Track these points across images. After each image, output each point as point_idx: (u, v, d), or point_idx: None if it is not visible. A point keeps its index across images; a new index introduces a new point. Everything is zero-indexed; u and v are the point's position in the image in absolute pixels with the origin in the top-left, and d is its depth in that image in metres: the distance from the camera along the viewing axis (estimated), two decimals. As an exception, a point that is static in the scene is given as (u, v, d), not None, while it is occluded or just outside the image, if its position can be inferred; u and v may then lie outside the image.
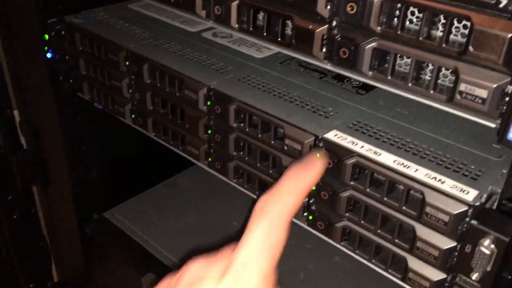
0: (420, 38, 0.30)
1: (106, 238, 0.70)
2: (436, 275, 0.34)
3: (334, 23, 0.34)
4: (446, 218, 0.32)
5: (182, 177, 0.79)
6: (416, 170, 0.34)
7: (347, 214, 0.38)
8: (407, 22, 0.34)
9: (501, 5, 0.27)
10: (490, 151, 0.37)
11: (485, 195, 0.32)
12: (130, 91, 0.53)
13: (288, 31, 0.39)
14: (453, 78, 0.30)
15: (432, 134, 0.39)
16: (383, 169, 0.35)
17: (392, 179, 0.34)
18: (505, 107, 0.28)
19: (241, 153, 0.45)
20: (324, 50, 0.35)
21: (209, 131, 0.47)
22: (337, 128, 0.39)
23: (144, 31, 0.56)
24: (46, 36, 0.58)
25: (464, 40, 0.29)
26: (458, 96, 0.29)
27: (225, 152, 0.46)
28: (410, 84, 0.32)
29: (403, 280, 0.37)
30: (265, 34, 0.39)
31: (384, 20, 0.32)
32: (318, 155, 0.33)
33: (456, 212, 0.32)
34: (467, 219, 0.31)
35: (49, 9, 0.58)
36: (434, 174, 0.34)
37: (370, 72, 0.34)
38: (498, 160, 0.36)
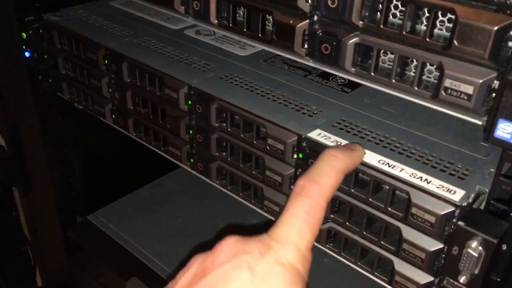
0: (404, 33, 0.29)
1: (90, 242, 0.69)
2: (423, 278, 0.33)
3: (315, 18, 0.33)
4: (432, 219, 0.31)
5: (168, 179, 0.77)
6: (402, 170, 0.33)
7: (331, 216, 0.37)
8: (391, 16, 0.33)
9: (486, -3, 0.25)
10: (478, 149, 0.36)
11: (472, 195, 0.31)
12: (110, 90, 0.52)
13: (269, 27, 0.37)
14: (438, 74, 0.29)
15: (419, 132, 0.38)
16: (368, 169, 0.33)
17: (377, 179, 0.33)
18: (491, 104, 0.27)
19: (224, 153, 0.44)
20: (305, 46, 0.34)
21: (191, 131, 0.45)
22: (321, 127, 0.37)
23: (125, 29, 0.54)
24: (24, 35, 0.57)
25: (449, 34, 0.28)
26: (443, 93, 0.28)
27: (207, 153, 0.45)
28: (393, 81, 0.31)
29: (389, 283, 0.35)
30: (245, 30, 0.38)
31: (367, 14, 0.31)
32: None
33: (442, 213, 0.31)
34: (454, 220, 0.30)
35: (27, 7, 0.56)
36: (420, 174, 0.32)
37: (353, 69, 0.32)
38: (486, 158, 0.35)
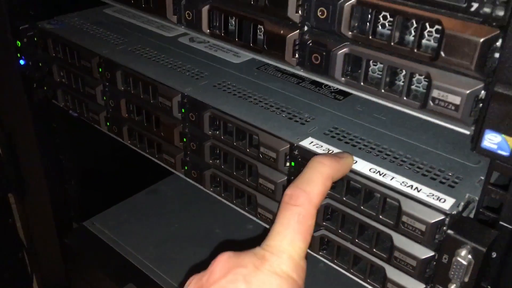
0: (392, 44, 0.29)
1: (86, 248, 0.69)
2: (415, 285, 0.34)
3: (305, 28, 0.33)
4: (422, 227, 0.31)
5: (164, 184, 0.77)
6: (392, 178, 0.33)
7: (324, 224, 0.37)
8: (380, 27, 0.34)
9: (472, 9, 0.26)
10: (468, 157, 0.36)
11: (462, 203, 0.31)
12: (105, 98, 0.52)
13: (260, 36, 0.38)
14: (427, 84, 0.29)
15: (410, 140, 0.38)
16: (359, 177, 0.34)
17: (368, 188, 0.33)
18: (479, 114, 0.27)
19: (217, 161, 0.44)
20: (296, 55, 0.34)
21: (185, 139, 0.46)
22: (313, 135, 0.38)
23: (119, 36, 0.54)
24: (19, 43, 0.57)
25: (437, 45, 0.28)
26: (431, 103, 0.28)
27: (201, 161, 0.45)
28: (383, 91, 0.31)
29: (381, 291, 0.36)
30: (237, 39, 0.38)
31: (356, 25, 0.31)
32: None
33: (432, 221, 0.31)
34: (444, 228, 0.30)
35: (21, 15, 0.57)
36: (410, 182, 0.33)
37: (343, 78, 0.33)
38: (476, 166, 0.35)
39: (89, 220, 0.71)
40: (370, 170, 0.34)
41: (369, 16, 0.30)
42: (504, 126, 0.25)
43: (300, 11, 0.33)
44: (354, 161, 0.35)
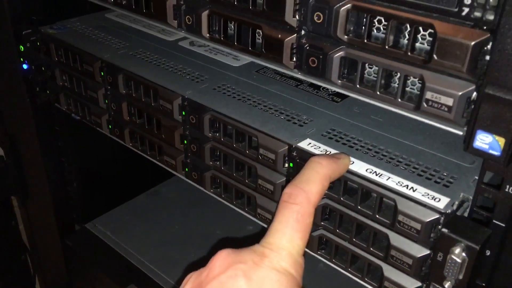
0: (387, 47, 0.30)
1: (88, 250, 0.69)
2: (411, 283, 0.34)
3: (302, 32, 0.34)
4: (418, 226, 0.32)
5: (165, 186, 0.78)
6: (389, 178, 0.34)
7: (322, 223, 0.38)
8: (375, 31, 0.34)
9: (463, 13, 0.26)
10: (463, 157, 0.37)
11: (456, 202, 0.32)
12: (106, 101, 0.53)
13: (259, 40, 0.38)
14: (421, 86, 0.30)
15: (406, 141, 0.39)
16: (356, 177, 0.34)
17: (365, 188, 0.34)
18: (471, 115, 0.28)
19: (217, 162, 0.45)
20: (294, 59, 0.35)
21: (185, 141, 0.46)
22: (311, 137, 0.38)
23: (120, 40, 0.55)
24: (21, 47, 0.58)
25: (430, 48, 0.29)
26: (424, 104, 0.29)
27: (201, 162, 0.46)
28: (378, 93, 0.32)
29: (379, 289, 0.36)
30: (236, 43, 0.39)
31: (351, 29, 0.32)
32: None
33: (427, 220, 0.31)
34: (439, 226, 0.31)
35: (24, 20, 0.58)
36: (406, 182, 0.33)
37: (339, 81, 0.33)
38: (471, 166, 0.36)
39: (91, 222, 0.71)
40: (366, 170, 0.35)
41: (364, 20, 0.31)
42: (495, 126, 0.26)
43: (297, 16, 0.34)
44: (351, 162, 0.35)
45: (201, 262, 0.29)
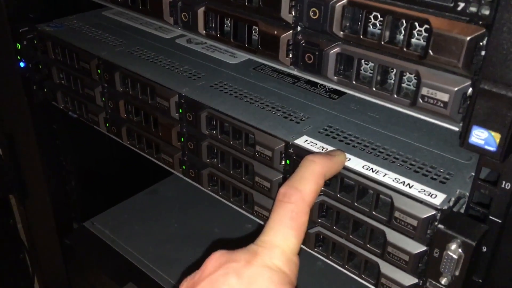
0: (382, 43, 0.30)
1: (86, 248, 0.69)
2: (408, 279, 0.34)
3: (298, 29, 0.34)
4: (414, 222, 0.32)
5: (164, 185, 0.78)
6: (385, 174, 0.34)
7: (319, 220, 0.38)
8: (371, 27, 0.34)
9: (459, 8, 0.26)
10: (459, 153, 0.36)
11: (453, 199, 0.32)
12: (103, 99, 0.53)
13: (255, 37, 0.38)
14: (416, 82, 0.30)
15: (403, 137, 0.39)
16: (353, 174, 0.34)
17: (362, 185, 0.34)
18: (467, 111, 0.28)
19: (214, 160, 0.45)
20: (290, 55, 0.35)
21: (182, 139, 0.46)
22: (308, 134, 0.38)
23: (117, 38, 0.55)
24: (18, 45, 0.58)
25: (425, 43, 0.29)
26: (420, 100, 0.29)
27: (199, 160, 0.46)
28: (374, 89, 0.32)
29: (376, 285, 0.36)
30: (232, 40, 0.39)
31: (347, 25, 0.32)
32: None
33: (424, 216, 0.31)
34: (436, 223, 0.31)
35: (21, 18, 0.57)
36: (402, 179, 0.33)
37: (335, 77, 0.33)
38: (468, 162, 0.36)
39: (89, 220, 0.72)
40: (363, 167, 0.35)
41: (360, 16, 0.31)
42: (490, 122, 0.26)
43: (293, 12, 0.33)
44: (348, 159, 0.35)
45: (199, 261, 0.29)
